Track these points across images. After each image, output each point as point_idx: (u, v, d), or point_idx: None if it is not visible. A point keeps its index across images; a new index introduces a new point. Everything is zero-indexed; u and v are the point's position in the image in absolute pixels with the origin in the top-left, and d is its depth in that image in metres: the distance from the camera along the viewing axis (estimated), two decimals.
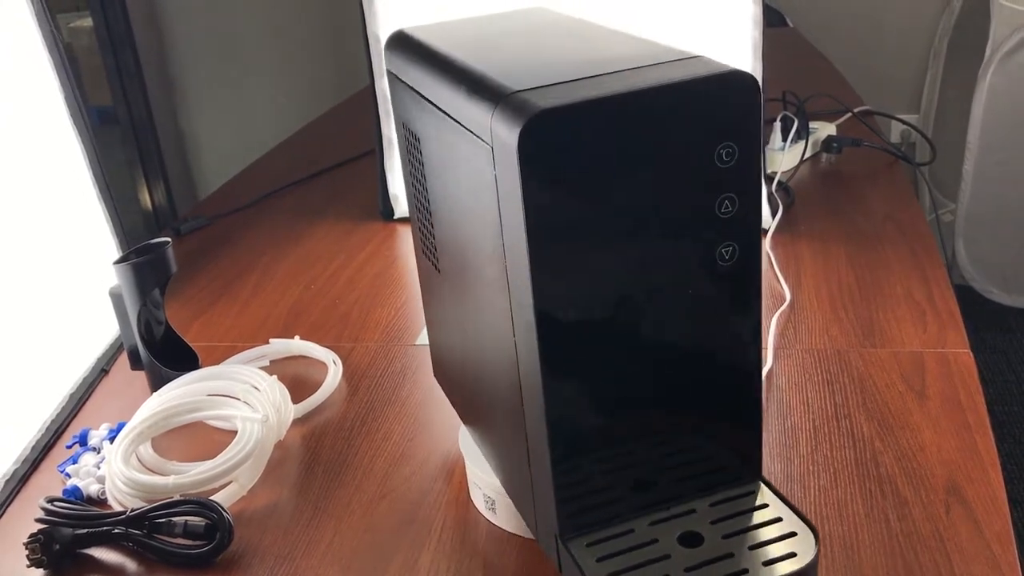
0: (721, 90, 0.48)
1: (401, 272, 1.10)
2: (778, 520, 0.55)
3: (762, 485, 0.58)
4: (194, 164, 2.92)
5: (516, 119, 0.46)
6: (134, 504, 0.72)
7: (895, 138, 2.29)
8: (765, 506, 0.57)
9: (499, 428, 0.62)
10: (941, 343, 0.87)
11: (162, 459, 0.78)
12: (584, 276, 0.49)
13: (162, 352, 0.89)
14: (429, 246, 0.69)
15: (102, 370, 0.94)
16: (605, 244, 0.49)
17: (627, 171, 0.48)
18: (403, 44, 0.65)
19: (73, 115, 0.95)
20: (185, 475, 0.74)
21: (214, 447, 0.77)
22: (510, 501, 0.67)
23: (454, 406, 0.76)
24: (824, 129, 1.36)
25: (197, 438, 0.83)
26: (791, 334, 0.90)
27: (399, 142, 0.71)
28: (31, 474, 0.80)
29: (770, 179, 1.21)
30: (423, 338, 0.95)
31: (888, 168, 1.30)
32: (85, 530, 0.69)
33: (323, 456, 0.79)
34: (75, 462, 0.80)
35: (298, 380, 0.90)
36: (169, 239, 0.87)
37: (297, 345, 0.94)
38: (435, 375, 0.80)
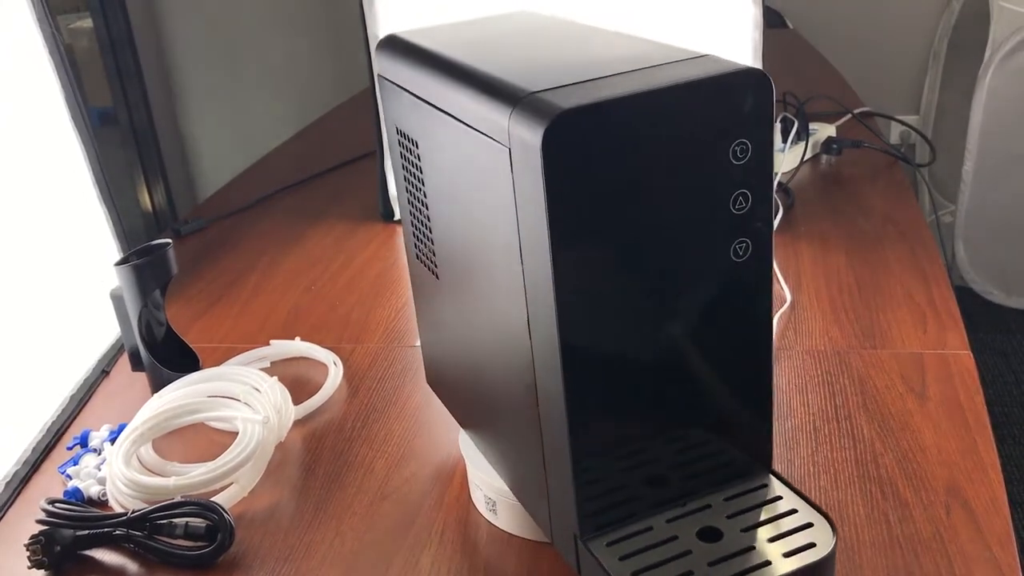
0: (736, 88, 0.48)
1: (402, 273, 1.10)
2: (793, 512, 0.56)
3: (774, 478, 0.59)
4: (194, 165, 2.92)
5: (538, 120, 0.46)
6: (135, 505, 0.72)
7: (895, 139, 2.29)
8: (779, 498, 0.57)
9: (507, 431, 0.62)
10: (941, 344, 0.87)
11: (163, 460, 0.78)
12: (604, 275, 0.49)
13: (163, 353, 0.89)
14: (426, 252, 0.69)
15: (103, 371, 0.94)
16: (625, 242, 0.49)
17: (646, 170, 0.48)
18: (397, 47, 0.65)
19: (73, 116, 0.95)
20: (186, 476, 0.74)
21: (215, 448, 0.77)
22: (511, 502, 0.67)
23: (451, 411, 0.75)
24: (824, 130, 1.36)
25: (198, 439, 0.83)
26: (791, 335, 0.90)
27: (392, 147, 0.70)
28: (32, 475, 0.80)
29: None
30: None
31: (888, 169, 1.30)
32: (86, 531, 0.69)
33: (324, 457, 0.79)
34: (76, 463, 0.80)
35: (299, 381, 0.90)
36: (170, 240, 0.87)
37: (298, 346, 0.94)
38: (428, 382, 0.80)
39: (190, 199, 2.89)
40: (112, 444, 0.79)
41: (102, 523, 0.70)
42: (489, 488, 0.68)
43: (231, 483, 0.74)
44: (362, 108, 1.26)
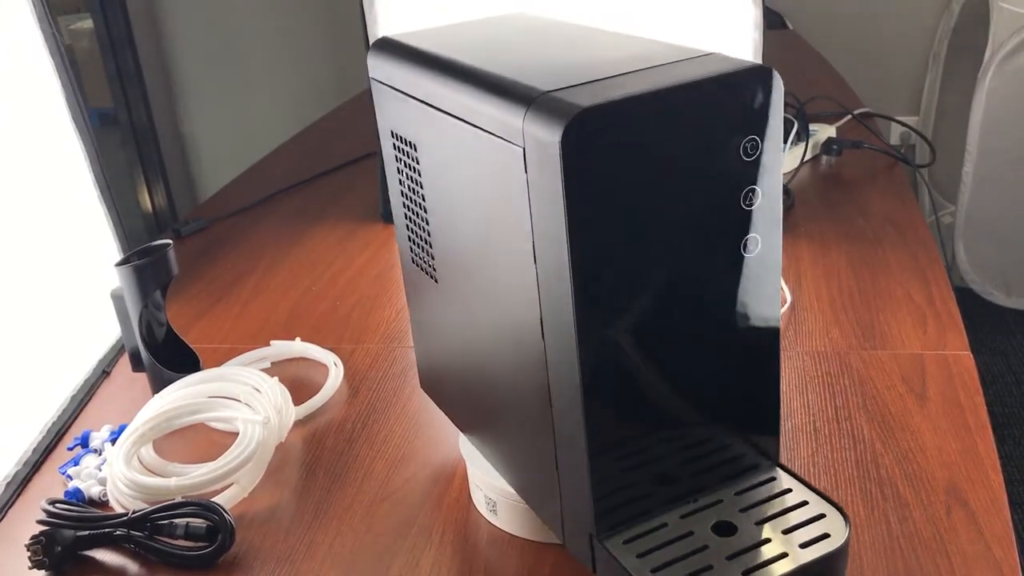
0: (747, 85, 0.49)
1: (402, 274, 1.10)
2: (804, 504, 0.57)
3: (781, 471, 0.59)
4: (195, 166, 2.92)
5: (556, 119, 0.46)
6: (136, 506, 0.72)
7: (895, 140, 2.29)
8: (789, 491, 0.58)
9: (514, 433, 0.62)
10: (941, 345, 0.87)
11: (163, 461, 0.78)
12: (621, 273, 0.50)
13: (163, 354, 0.89)
14: (423, 256, 0.69)
15: (103, 372, 0.94)
16: (641, 240, 0.50)
17: (660, 167, 0.49)
18: (392, 51, 0.65)
19: (74, 117, 0.95)
20: (186, 477, 0.74)
21: (215, 449, 0.77)
22: (511, 503, 0.67)
23: (449, 416, 0.75)
24: (824, 131, 1.36)
25: (198, 440, 0.83)
26: (791, 336, 0.90)
27: (385, 151, 0.70)
28: (33, 476, 0.80)
29: None
30: None
31: (888, 170, 1.30)
32: (87, 532, 0.69)
33: (324, 458, 0.79)
34: (76, 464, 0.80)
35: (299, 382, 0.90)
36: (170, 241, 0.87)
37: (298, 347, 0.94)
38: (423, 387, 0.79)
39: (190, 200, 2.89)
40: (113, 444, 0.79)
41: (103, 523, 0.70)
42: (489, 488, 0.68)
43: (231, 484, 0.74)
44: (362, 109, 1.26)
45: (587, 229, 0.48)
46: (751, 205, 0.51)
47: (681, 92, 0.48)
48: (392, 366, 0.91)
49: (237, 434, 0.78)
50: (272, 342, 0.95)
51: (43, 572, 0.69)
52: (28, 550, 0.68)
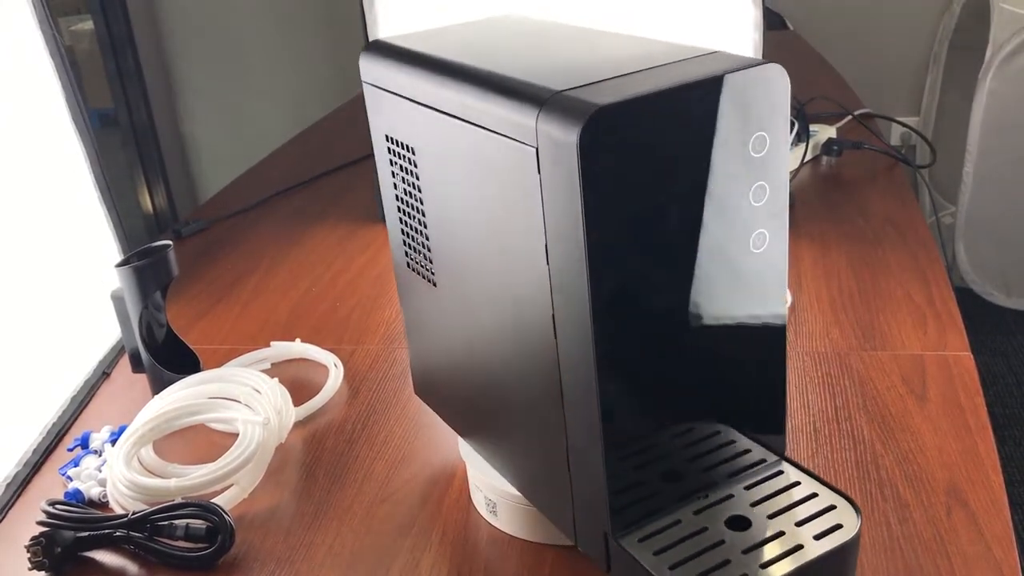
0: (756, 82, 0.50)
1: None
2: (814, 496, 0.57)
3: (789, 464, 0.60)
4: (195, 167, 2.92)
5: (572, 118, 0.46)
6: (135, 507, 0.72)
7: (895, 141, 2.29)
8: (797, 483, 0.58)
9: (521, 435, 0.62)
10: (941, 345, 0.87)
11: (163, 462, 0.78)
12: (634, 271, 0.50)
13: (163, 355, 0.89)
14: (421, 260, 0.68)
15: (104, 373, 0.94)
16: (653, 237, 0.50)
17: (673, 164, 0.49)
18: (387, 53, 0.64)
19: (74, 118, 0.95)
20: (186, 478, 0.74)
21: (215, 450, 0.77)
22: (511, 504, 0.67)
23: (447, 420, 0.75)
24: (824, 132, 1.36)
25: (198, 441, 0.83)
26: (792, 336, 0.90)
27: (379, 156, 0.69)
28: (33, 477, 0.80)
29: None
30: None
31: (888, 171, 1.30)
32: (86, 533, 0.69)
33: (324, 459, 0.79)
34: (76, 465, 0.80)
35: (299, 383, 0.90)
36: (170, 242, 0.87)
37: (298, 348, 0.94)
38: (418, 392, 0.78)
39: (190, 200, 2.89)
40: (113, 445, 0.79)
41: (102, 524, 0.70)
42: (490, 489, 0.68)
43: (231, 484, 0.74)
44: (363, 109, 1.25)
45: (603, 226, 0.48)
46: (759, 201, 0.52)
47: (694, 90, 0.48)
48: (392, 367, 0.91)
49: (237, 435, 0.78)
50: (272, 343, 0.95)
51: (43, 573, 0.69)
52: (28, 551, 0.68)
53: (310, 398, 0.86)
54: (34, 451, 0.82)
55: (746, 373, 0.57)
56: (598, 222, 0.47)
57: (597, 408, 0.51)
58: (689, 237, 0.51)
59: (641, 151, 0.48)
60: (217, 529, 0.68)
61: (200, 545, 0.68)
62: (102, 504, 0.76)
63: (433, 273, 0.67)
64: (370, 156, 1.49)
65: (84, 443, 0.82)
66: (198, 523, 0.69)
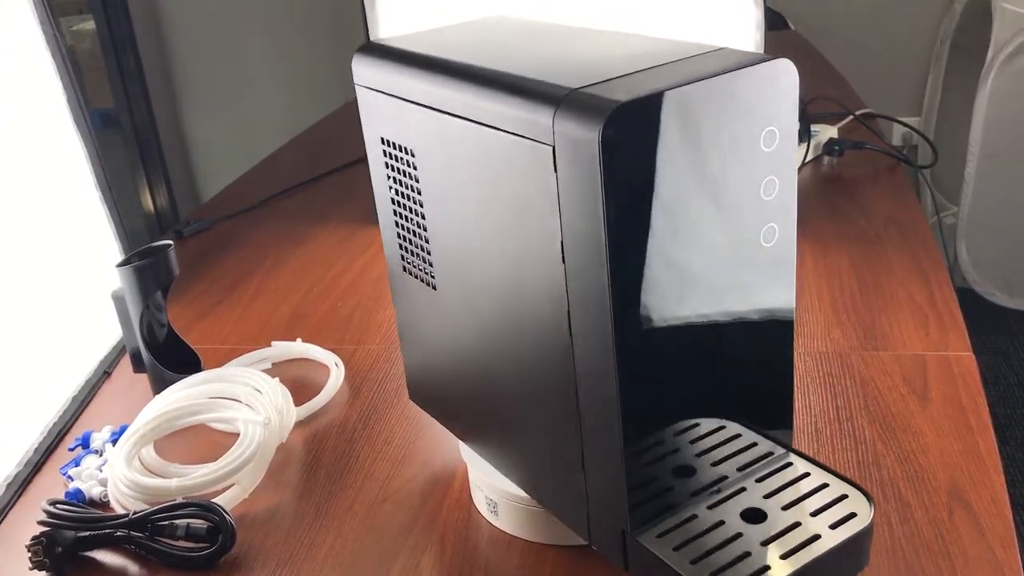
0: (767, 77, 0.50)
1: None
2: (825, 486, 0.58)
3: (796, 456, 0.60)
4: (196, 167, 2.92)
5: (592, 115, 0.46)
6: (136, 506, 0.72)
7: (897, 141, 2.29)
8: (807, 475, 0.59)
9: (530, 435, 0.62)
10: (943, 346, 0.87)
11: (164, 461, 0.78)
12: (653, 266, 0.50)
13: (164, 355, 0.89)
14: (419, 264, 0.68)
15: (105, 373, 0.94)
16: (671, 232, 0.50)
17: (688, 160, 0.49)
18: (382, 55, 0.64)
19: (75, 118, 0.95)
20: (187, 477, 0.74)
21: (216, 450, 0.77)
22: (512, 504, 0.67)
23: (445, 424, 0.74)
24: (826, 132, 1.36)
25: (199, 441, 0.83)
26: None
27: (372, 159, 0.68)
28: (33, 476, 0.80)
29: None
30: None
31: (890, 171, 1.30)
32: (87, 532, 0.69)
33: (325, 459, 0.79)
34: (77, 464, 0.80)
35: (300, 383, 0.90)
36: (171, 242, 0.87)
37: (299, 348, 0.94)
38: (413, 398, 0.78)
39: (192, 200, 2.89)
40: (113, 445, 0.79)
41: (103, 524, 0.70)
42: (490, 489, 0.68)
43: (232, 484, 0.74)
44: None
45: (624, 223, 0.48)
46: (770, 195, 0.52)
47: (709, 86, 0.48)
48: (393, 367, 0.91)
49: (238, 435, 0.78)
50: (273, 343, 0.95)
51: (44, 573, 0.69)
52: (29, 551, 0.68)
53: (311, 398, 0.86)
54: (35, 451, 0.82)
55: (755, 366, 0.58)
56: (618, 218, 0.48)
57: (617, 403, 0.52)
58: (704, 232, 0.51)
59: (658, 146, 0.48)
60: (218, 529, 0.68)
61: (201, 545, 0.68)
62: (103, 504, 0.76)
63: (433, 276, 0.66)
64: None
65: (85, 443, 0.82)
66: (199, 523, 0.69)
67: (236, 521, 0.70)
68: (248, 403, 0.81)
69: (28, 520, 0.72)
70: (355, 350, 0.95)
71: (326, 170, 1.45)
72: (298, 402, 0.84)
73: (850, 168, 1.31)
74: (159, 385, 0.87)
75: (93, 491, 0.76)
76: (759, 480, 0.58)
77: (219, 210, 1.33)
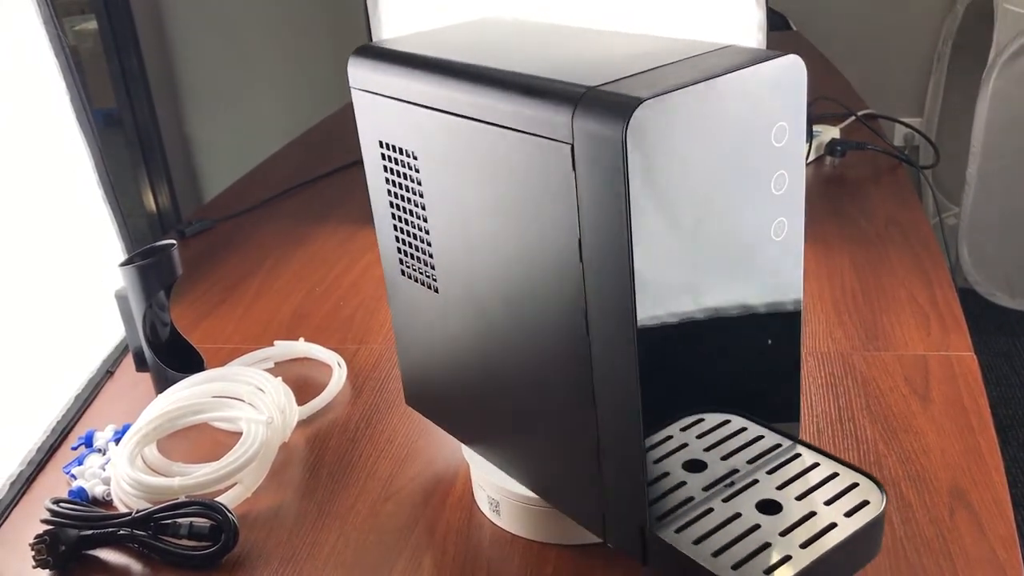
0: (778, 73, 0.51)
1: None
2: (836, 475, 0.58)
3: (804, 447, 0.61)
4: (198, 167, 2.92)
5: (614, 113, 0.46)
6: (139, 505, 0.72)
7: (898, 141, 2.29)
8: (817, 465, 0.59)
9: (541, 435, 0.62)
10: (945, 346, 0.87)
11: (167, 460, 0.78)
12: (671, 262, 0.50)
13: (167, 354, 0.89)
14: (420, 267, 0.67)
15: (108, 372, 0.94)
16: (689, 228, 0.51)
17: (705, 155, 0.50)
18: (380, 57, 0.63)
19: (78, 118, 0.95)
20: (190, 476, 0.74)
21: (219, 449, 0.77)
22: (514, 503, 0.67)
23: (444, 427, 0.74)
24: (828, 132, 1.36)
25: (202, 440, 0.83)
26: None
27: (369, 163, 0.67)
28: (37, 475, 0.81)
29: None
30: None
31: (891, 171, 1.30)
32: (90, 531, 0.69)
33: (327, 458, 0.79)
34: (81, 463, 0.80)
35: (303, 382, 0.90)
36: (174, 242, 0.87)
37: (302, 347, 0.95)
38: (410, 402, 0.77)
39: (194, 200, 2.90)
40: (117, 444, 0.79)
41: (106, 523, 0.70)
42: (493, 489, 0.68)
43: (235, 483, 0.74)
44: None
45: (646, 219, 0.48)
46: (780, 190, 0.53)
47: (726, 82, 0.49)
48: (395, 367, 0.92)
49: (241, 434, 0.78)
50: (276, 342, 0.95)
51: (47, 571, 0.69)
52: (32, 549, 0.68)
53: (313, 397, 0.86)
54: (38, 449, 0.82)
55: (763, 359, 0.58)
56: (641, 215, 0.48)
57: (638, 399, 0.52)
58: (718, 227, 0.52)
59: (678, 143, 0.48)
60: (221, 528, 0.68)
61: (204, 544, 0.69)
62: (106, 502, 0.76)
63: (435, 279, 0.66)
64: None
65: (88, 442, 0.83)
66: (202, 521, 0.69)
67: (239, 520, 0.70)
68: (251, 402, 0.81)
69: (31, 519, 0.72)
70: (357, 350, 0.95)
71: (328, 170, 1.45)
72: (301, 401, 0.85)
73: (852, 169, 1.31)
74: (162, 384, 0.87)
75: (96, 490, 0.76)
76: (770, 472, 0.59)
77: (221, 210, 1.33)
